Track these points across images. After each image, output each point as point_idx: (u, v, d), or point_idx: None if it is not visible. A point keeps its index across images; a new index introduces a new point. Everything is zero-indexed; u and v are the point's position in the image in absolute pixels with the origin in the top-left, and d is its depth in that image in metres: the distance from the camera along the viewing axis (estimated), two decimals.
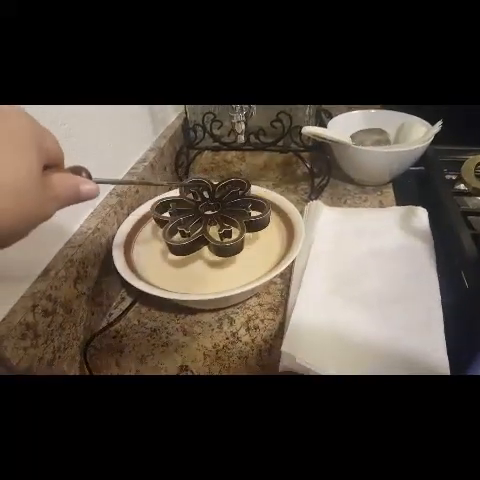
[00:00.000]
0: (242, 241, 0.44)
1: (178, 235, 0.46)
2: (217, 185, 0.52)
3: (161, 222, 0.48)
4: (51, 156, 0.26)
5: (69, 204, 0.27)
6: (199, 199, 0.51)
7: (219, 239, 0.45)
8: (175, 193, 0.53)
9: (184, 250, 0.44)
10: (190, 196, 0.52)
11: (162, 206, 0.50)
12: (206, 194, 0.52)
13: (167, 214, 0.49)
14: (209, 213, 0.48)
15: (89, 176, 0.30)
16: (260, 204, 0.49)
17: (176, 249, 0.44)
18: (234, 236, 0.44)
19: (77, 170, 0.29)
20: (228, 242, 0.44)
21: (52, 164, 0.26)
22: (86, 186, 0.28)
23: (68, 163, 0.44)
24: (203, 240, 0.45)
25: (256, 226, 0.47)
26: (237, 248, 0.44)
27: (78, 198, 0.28)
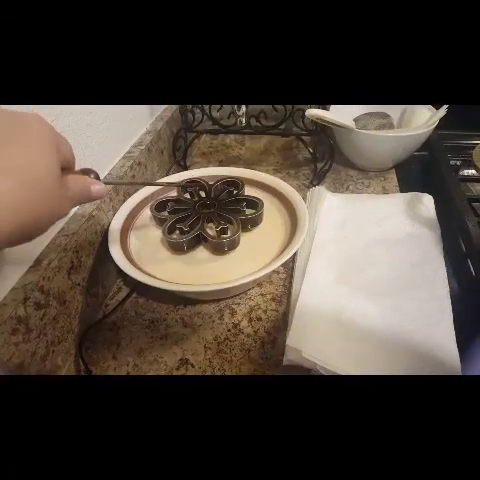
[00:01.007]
0: (238, 237, 0.46)
1: (177, 232, 0.47)
2: (213, 185, 0.53)
3: (160, 220, 0.49)
4: (65, 159, 0.27)
5: (81, 203, 0.30)
6: (196, 198, 0.52)
7: (216, 236, 0.46)
8: (173, 193, 0.53)
9: (183, 246, 0.46)
10: (187, 195, 0.53)
11: (161, 205, 0.51)
12: (203, 193, 0.53)
13: (166, 213, 0.50)
14: (206, 211, 0.49)
15: (97, 177, 0.32)
16: (254, 202, 0.50)
17: (175, 245, 0.46)
18: (230, 233, 0.46)
19: (87, 171, 0.32)
20: (224, 238, 0.45)
21: (65, 166, 0.28)
22: (96, 187, 0.31)
23: None
24: (201, 237, 0.47)
25: (251, 223, 0.49)
26: (233, 244, 0.46)
27: (89, 198, 0.30)
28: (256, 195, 0.54)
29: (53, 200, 0.25)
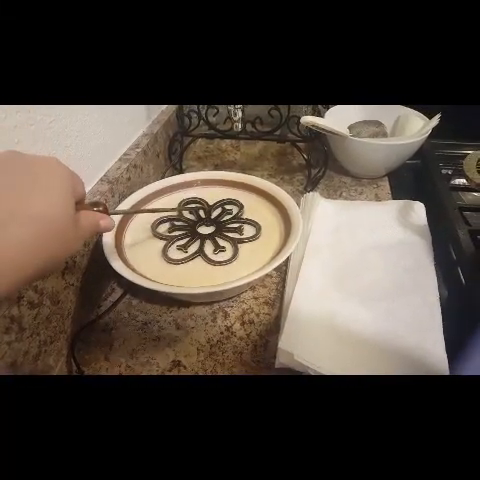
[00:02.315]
0: (235, 258, 0.47)
1: (175, 246, 0.48)
2: (213, 205, 0.54)
3: (160, 237, 0.50)
4: (78, 196, 0.29)
5: (90, 237, 0.33)
6: (196, 219, 0.53)
7: (214, 257, 0.47)
8: (173, 211, 0.54)
9: (180, 264, 0.46)
10: (187, 213, 0.54)
11: (161, 224, 0.52)
12: (202, 213, 0.53)
13: (166, 230, 0.51)
14: (205, 232, 0.51)
15: (105, 208, 0.33)
16: (252, 225, 0.51)
17: (173, 262, 0.46)
18: (228, 254, 0.47)
19: (96, 204, 0.33)
20: (222, 261, 0.46)
21: (77, 201, 0.29)
22: (105, 221, 0.32)
23: (57, 146, 0.42)
24: (199, 254, 0.47)
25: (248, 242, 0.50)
26: (230, 263, 0.46)
27: (97, 232, 0.32)
28: (251, 200, 0.55)
29: (69, 241, 0.27)
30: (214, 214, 0.54)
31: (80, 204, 0.30)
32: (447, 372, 0.37)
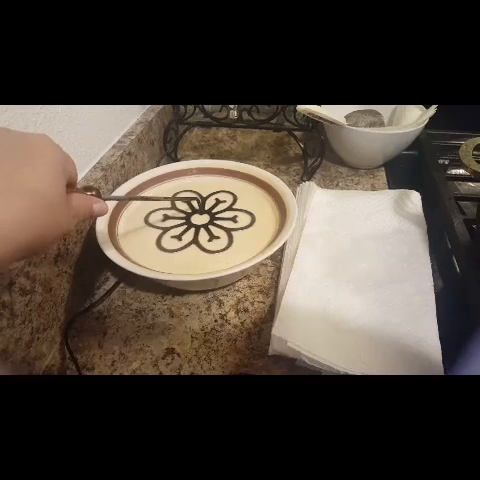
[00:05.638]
0: (230, 247, 0.47)
1: (169, 236, 0.48)
2: (207, 197, 0.54)
3: (154, 227, 0.50)
4: (70, 177, 0.29)
5: (83, 220, 0.32)
6: (190, 209, 0.52)
7: (208, 247, 0.47)
8: (166, 203, 0.53)
9: (175, 253, 0.46)
10: (180, 204, 0.53)
11: (155, 213, 0.52)
12: (196, 204, 0.53)
13: (160, 220, 0.51)
14: (199, 222, 0.50)
15: (98, 193, 0.33)
16: (246, 214, 0.51)
17: (167, 252, 0.46)
18: (222, 242, 0.47)
19: (88, 188, 0.33)
20: (216, 250, 0.46)
21: (69, 183, 0.28)
22: (98, 205, 0.32)
23: (49, 131, 0.41)
24: (194, 245, 0.47)
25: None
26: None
27: (91, 215, 0.32)
28: (246, 189, 0.55)
29: (59, 218, 0.26)
30: (208, 205, 0.53)
31: (72, 187, 0.29)
32: (440, 359, 0.37)
